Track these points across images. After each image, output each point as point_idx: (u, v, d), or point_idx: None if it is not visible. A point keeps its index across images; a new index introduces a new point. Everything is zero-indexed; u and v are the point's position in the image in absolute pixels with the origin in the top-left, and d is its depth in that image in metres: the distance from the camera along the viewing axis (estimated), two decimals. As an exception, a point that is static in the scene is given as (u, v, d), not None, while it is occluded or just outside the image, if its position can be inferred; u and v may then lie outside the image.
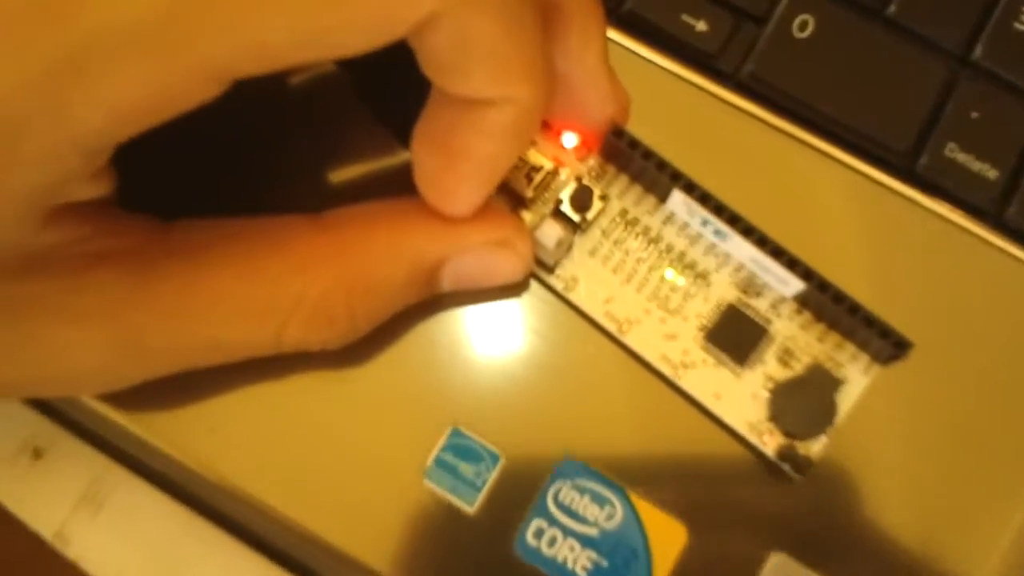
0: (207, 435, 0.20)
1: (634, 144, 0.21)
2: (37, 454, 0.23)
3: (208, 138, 0.21)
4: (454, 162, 0.18)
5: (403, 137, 0.21)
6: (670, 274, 0.21)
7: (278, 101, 0.23)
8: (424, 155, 0.19)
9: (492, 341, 0.21)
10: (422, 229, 0.19)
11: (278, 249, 0.19)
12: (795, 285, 0.20)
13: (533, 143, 0.22)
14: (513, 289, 0.21)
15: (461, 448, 0.21)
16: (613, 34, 0.24)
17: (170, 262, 0.18)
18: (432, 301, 0.21)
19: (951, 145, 0.23)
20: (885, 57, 0.24)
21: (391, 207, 0.19)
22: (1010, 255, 0.23)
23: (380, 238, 0.19)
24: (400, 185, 0.19)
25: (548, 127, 0.22)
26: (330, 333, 0.19)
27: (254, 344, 0.19)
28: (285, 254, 0.19)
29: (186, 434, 0.21)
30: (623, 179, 0.22)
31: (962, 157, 0.23)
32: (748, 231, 0.20)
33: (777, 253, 0.20)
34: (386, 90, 0.22)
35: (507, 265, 0.20)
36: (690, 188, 0.20)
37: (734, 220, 0.20)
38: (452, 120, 0.18)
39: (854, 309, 0.20)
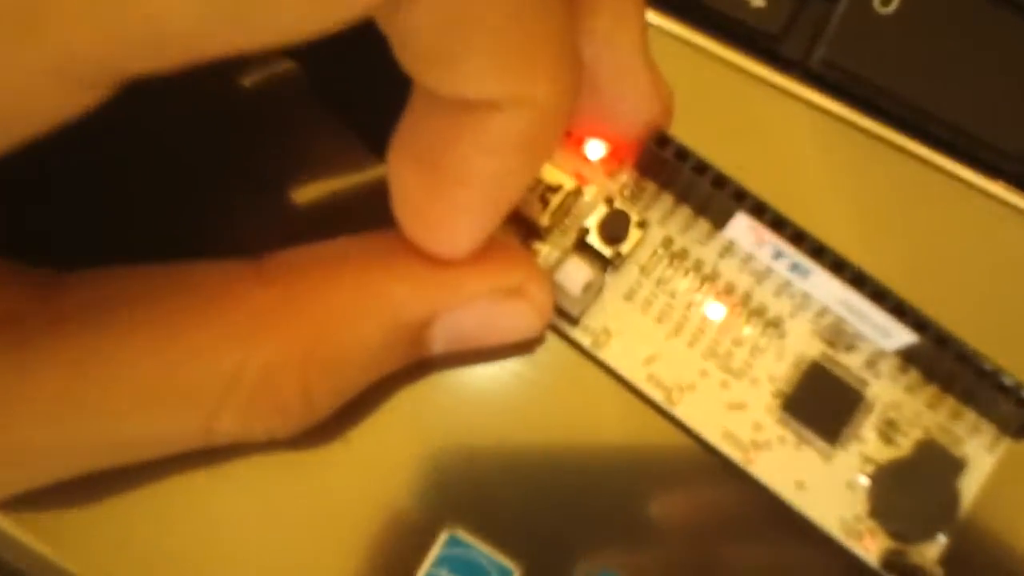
0: (116, 550, 0.15)
1: (683, 154, 0.16)
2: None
3: (121, 153, 0.16)
4: (446, 186, 0.13)
5: (378, 147, 0.16)
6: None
7: (218, 104, 0.18)
8: (405, 177, 0.14)
9: (500, 415, 0.16)
10: (403, 276, 0.14)
11: (206, 309, 0.14)
12: (901, 337, 0.15)
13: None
14: (526, 346, 0.16)
15: (460, 560, 0.16)
16: (649, 14, 0.19)
17: (60, 332, 0.13)
18: (419, 361, 0.16)
19: (1084, 146, 0.18)
20: (992, 35, 0.19)
21: (361, 246, 0.14)
22: None
23: (346, 290, 0.14)
24: (374, 213, 0.14)
25: (568, 134, 0.17)
26: (278, 419, 0.14)
27: (174, 439, 0.14)
28: (216, 316, 0.14)
29: (89, 547, 0.15)
30: (666, 199, 0.17)
31: (1099, 161, 0.18)
32: (838, 266, 0.15)
33: (879, 296, 0.15)
34: (353, 88, 0.17)
35: (518, 319, 0.15)
36: (759, 210, 0.15)
37: (819, 252, 0.15)
38: (442, 130, 0.13)
39: (982, 371, 0.15)
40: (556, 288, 0.16)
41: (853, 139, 0.18)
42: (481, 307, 0.15)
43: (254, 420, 0.14)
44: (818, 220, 0.16)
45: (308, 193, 0.17)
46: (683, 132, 0.16)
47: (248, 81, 0.18)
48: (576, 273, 0.15)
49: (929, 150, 0.18)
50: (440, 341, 0.15)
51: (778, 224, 0.15)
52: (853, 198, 0.18)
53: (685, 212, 0.17)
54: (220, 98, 0.18)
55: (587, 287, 0.16)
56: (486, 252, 0.14)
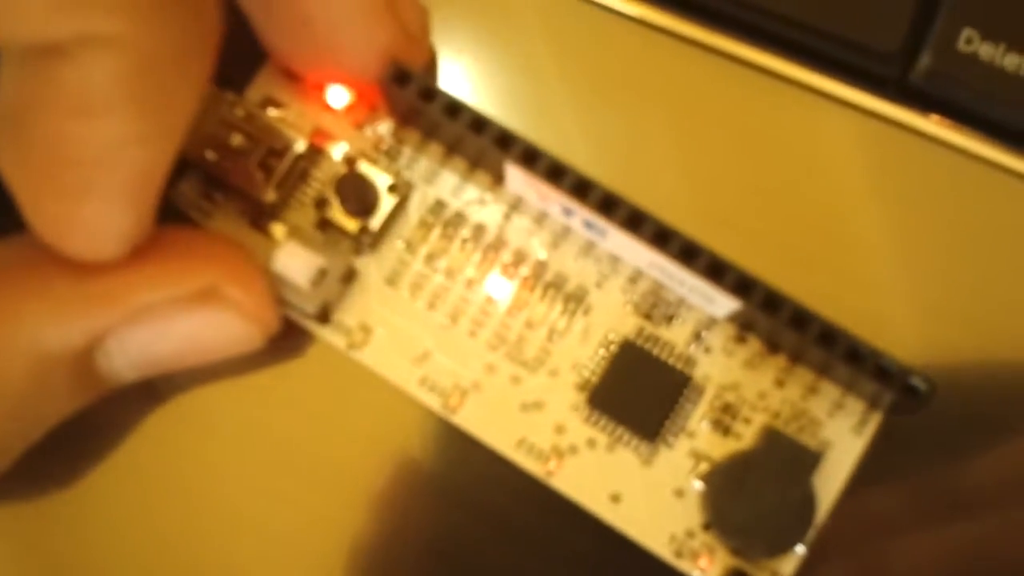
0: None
1: (429, 93, 0.12)
2: None
3: None
4: (52, 168, 0.10)
5: None
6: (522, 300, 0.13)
7: None
8: (11, 163, 0.10)
9: (248, 438, 0.13)
10: (40, 291, 0.11)
11: None
12: (725, 303, 0.12)
13: (275, 106, 0.13)
14: (263, 356, 0.13)
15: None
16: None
17: None
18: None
19: (967, 33, 0.14)
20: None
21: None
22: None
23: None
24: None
25: (301, 79, 0.13)
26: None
27: None
28: None
29: None
30: (435, 152, 0.13)
31: (987, 50, 0.14)
32: (634, 220, 0.12)
33: (688, 254, 0.12)
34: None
35: (223, 330, 0.12)
36: (530, 158, 0.12)
37: (609, 206, 0.12)
38: (26, 96, 0.09)
39: (829, 336, 0.12)
40: (280, 282, 0.12)
41: (697, 60, 0.15)
42: (167, 320, 0.11)
43: None
44: (646, 160, 0.13)
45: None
46: (479, 63, 0.13)
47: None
48: (295, 261, 0.12)
49: (784, 61, 0.15)
50: (126, 367, 0.12)
51: (555, 173, 0.12)
52: (689, 126, 0.14)
53: (459, 167, 0.13)
54: None
55: (318, 276, 0.12)
56: (157, 250, 0.11)
